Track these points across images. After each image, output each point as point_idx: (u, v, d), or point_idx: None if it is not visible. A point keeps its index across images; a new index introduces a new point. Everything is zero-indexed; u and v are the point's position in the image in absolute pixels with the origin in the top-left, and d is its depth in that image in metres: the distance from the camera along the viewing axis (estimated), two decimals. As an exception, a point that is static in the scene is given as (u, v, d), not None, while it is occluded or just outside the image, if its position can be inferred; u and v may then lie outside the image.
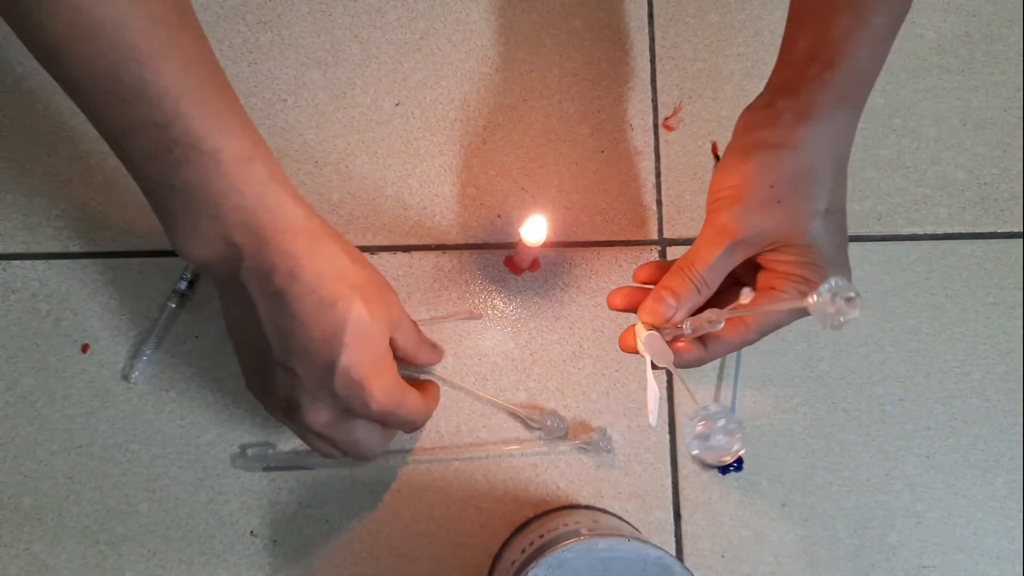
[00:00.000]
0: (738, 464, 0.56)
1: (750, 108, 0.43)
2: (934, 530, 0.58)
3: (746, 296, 0.39)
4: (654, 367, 0.42)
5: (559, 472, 0.56)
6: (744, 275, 0.45)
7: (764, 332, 0.43)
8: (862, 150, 0.61)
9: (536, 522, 0.54)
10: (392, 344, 0.44)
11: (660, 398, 0.56)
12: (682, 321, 0.42)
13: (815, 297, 0.32)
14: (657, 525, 0.56)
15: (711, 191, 0.43)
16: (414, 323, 0.47)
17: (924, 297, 0.60)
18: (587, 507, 0.56)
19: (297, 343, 0.40)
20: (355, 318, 0.40)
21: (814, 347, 0.59)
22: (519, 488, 0.56)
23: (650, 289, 0.44)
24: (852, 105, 0.41)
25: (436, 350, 0.52)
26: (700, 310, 0.43)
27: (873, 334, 0.60)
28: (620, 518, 0.55)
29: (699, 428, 0.34)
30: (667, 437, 0.57)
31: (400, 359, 0.46)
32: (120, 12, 0.33)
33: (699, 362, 0.44)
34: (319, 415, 0.42)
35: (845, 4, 0.39)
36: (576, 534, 0.46)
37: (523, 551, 0.49)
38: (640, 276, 0.47)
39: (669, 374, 0.58)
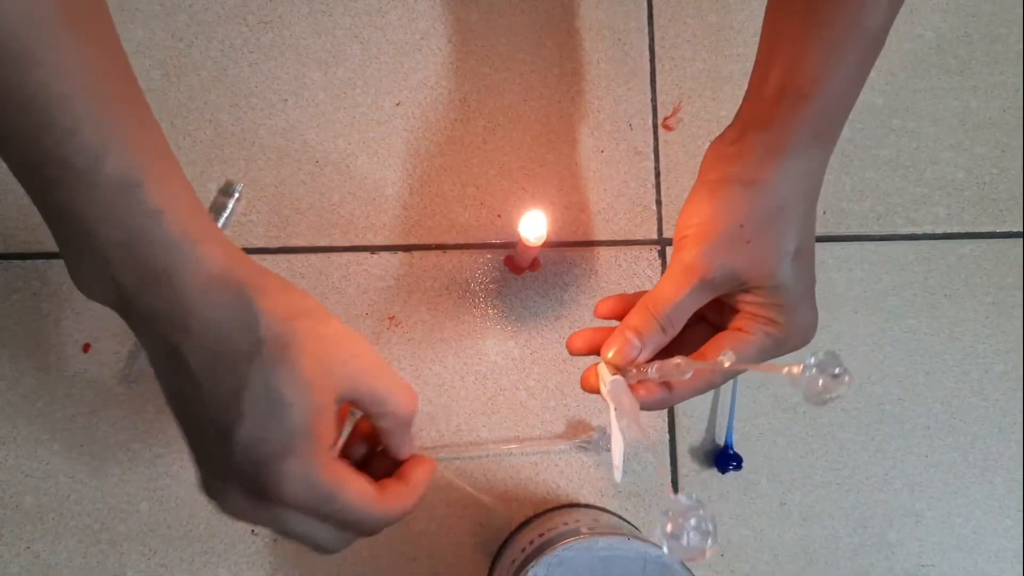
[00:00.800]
0: (737, 463, 0.57)
1: (719, 140, 0.42)
2: (933, 529, 0.58)
3: (728, 359, 0.36)
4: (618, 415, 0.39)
5: (559, 471, 0.56)
6: (710, 312, 0.43)
7: (730, 377, 0.41)
8: (862, 150, 0.62)
9: (536, 521, 0.54)
10: (367, 414, 0.36)
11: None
12: (647, 362, 0.39)
13: (801, 371, 0.31)
14: (657, 524, 0.56)
15: (678, 226, 0.41)
16: (403, 389, 0.36)
17: (923, 297, 0.60)
18: (587, 506, 0.56)
19: (193, 411, 0.33)
20: (257, 380, 0.32)
21: (813, 346, 0.59)
22: (519, 487, 0.56)
23: (611, 329, 0.41)
24: (824, 141, 0.39)
25: (404, 395, 0.37)
26: (666, 350, 0.41)
27: (872, 334, 0.60)
28: (620, 517, 0.55)
29: (669, 527, 0.32)
30: (667, 437, 0.57)
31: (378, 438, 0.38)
32: None
33: (662, 405, 0.41)
34: (228, 500, 0.33)
35: (819, 38, 0.38)
36: (576, 533, 0.46)
37: (523, 550, 0.49)
38: (602, 311, 0.44)
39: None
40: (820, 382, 0.31)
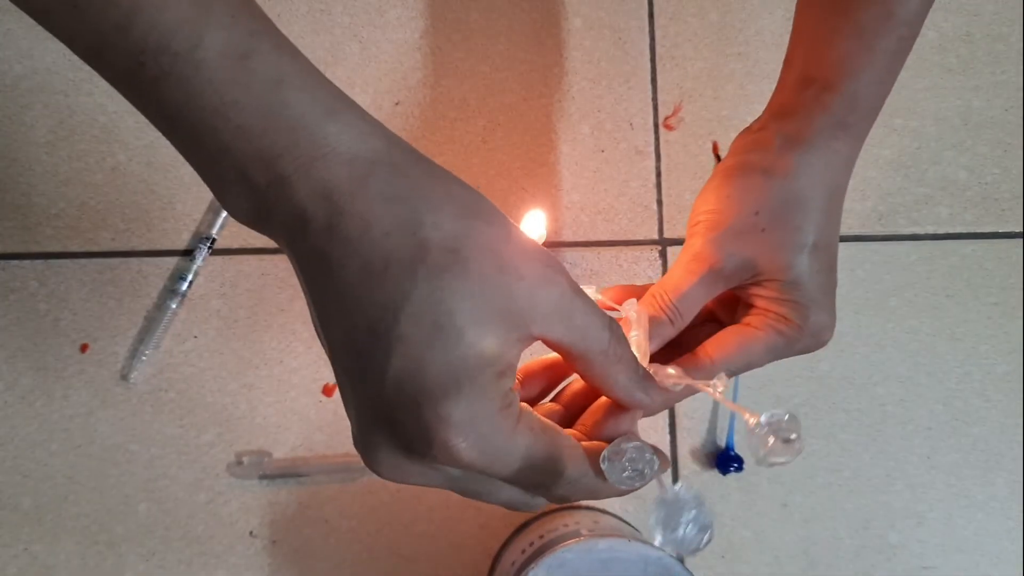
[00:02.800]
0: (739, 465, 0.56)
1: (745, 131, 0.40)
2: (935, 530, 0.58)
3: (721, 381, 0.33)
4: None
5: (559, 472, 0.56)
6: (722, 311, 0.41)
7: (732, 374, 0.38)
8: (863, 149, 0.61)
9: (536, 523, 0.54)
10: (560, 352, 0.28)
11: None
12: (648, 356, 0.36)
13: (755, 421, 0.28)
14: (657, 525, 0.56)
15: (692, 213, 0.39)
16: (604, 315, 0.28)
17: (925, 297, 0.60)
18: (587, 507, 0.55)
19: (344, 336, 0.26)
20: (420, 294, 0.24)
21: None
22: (519, 488, 0.56)
23: (638, 288, 0.39)
24: (852, 135, 0.37)
25: (650, 381, 0.31)
26: (674, 344, 0.38)
27: (874, 334, 0.59)
28: (620, 519, 0.55)
29: (663, 516, 0.29)
30: (667, 437, 0.57)
31: (590, 381, 0.30)
32: None
33: (655, 409, 0.34)
34: (378, 457, 0.26)
35: (849, 25, 0.37)
36: (576, 535, 0.46)
37: (523, 551, 0.48)
38: (604, 300, 0.40)
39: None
40: (770, 442, 0.28)
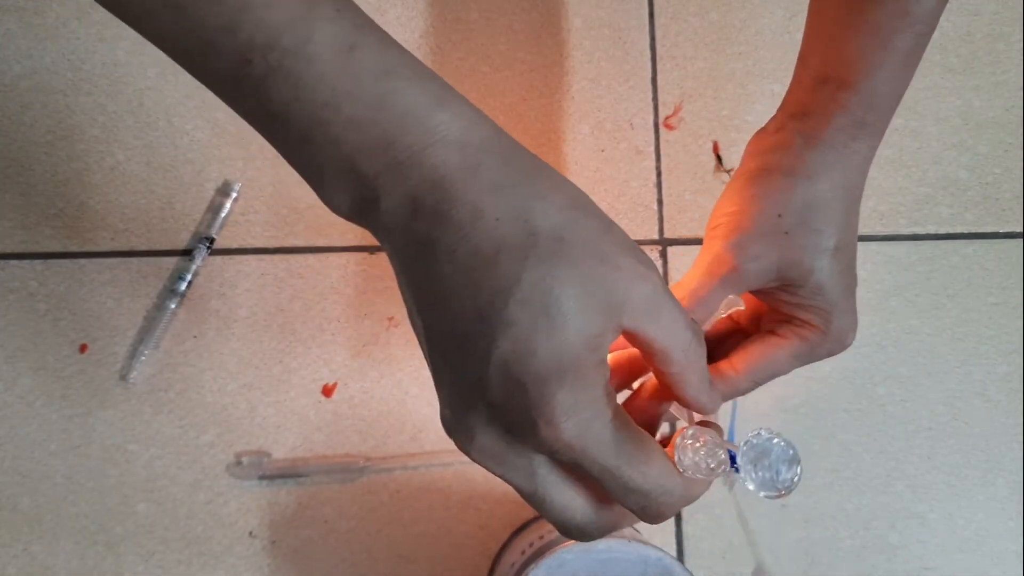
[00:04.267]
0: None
1: (760, 132, 0.40)
2: (935, 531, 0.58)
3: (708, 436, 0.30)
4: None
5: (559, 473, 0.56)
6: (746, 320, 0.40)
7: (759, 383, 0.37)
8: (863, 149, 0.61)
9: (536, 523, 0.53)
10: (639, 346, 0.28)
11: None
12: None
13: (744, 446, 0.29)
14: (657, 527, 0.56)
15: (711, 217, 0.38)
16: (687, 316, 0.29)
17: (926, 297, 0.60)
18: (587, 508, 0.55)
19: (446, 321, 0.26)
20: (529, 280, 0.25)
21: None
22: (519, 489, 0.55)
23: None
24: (869, 133, 0.37)
25: (718, 387, 0.34)
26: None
27: (875, 334, 0.59)
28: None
29: (753, 456, 0.28)
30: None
31: (664, 383, 0.30)
32: None
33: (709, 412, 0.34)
34: (474, 436, 0.27)
35: (864, 23, 0.36)
36: (576, 535, 0.46)
37: (523, 552, 0.48)
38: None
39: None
40: (702, 466, 0.28)
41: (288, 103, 0.25)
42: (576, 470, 0.27)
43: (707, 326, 0.38)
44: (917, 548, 0.58)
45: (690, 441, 0.28)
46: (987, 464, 0.59)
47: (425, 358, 0.28)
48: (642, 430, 0.28)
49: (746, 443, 0.29)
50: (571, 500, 0.28)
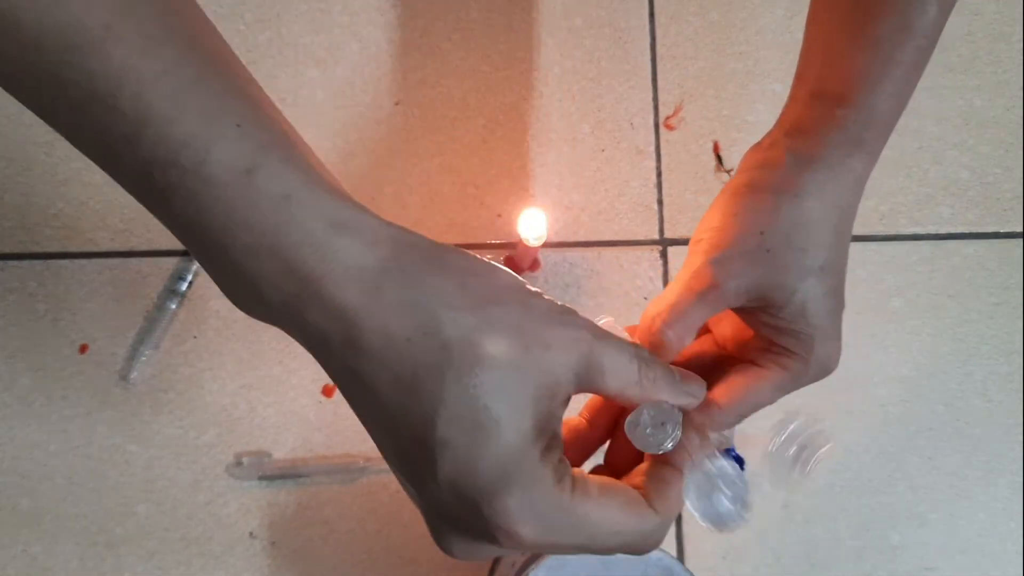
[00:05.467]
0: (739, 465, 0.56)
1: (754, 147, 0.38)
2: (937, 532, 0.58)
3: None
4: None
5: (559, 473, 0.56)
6: (733, 343, 0.38)
7: (744, 417, 0.36)
8: (864, 149, 0.61)
9: (536, 524, 0.53)
10: (605, 399, 0.30)
11: None
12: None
13: (774, 442, 0.28)
14: (658, 526, 0.56)
15: (696, 231, 0.37)
16: (627, 347, 0.29)
17: (926, 297, 0.60)
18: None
19: (389, 444, 0.27)
20: (453, 396, 0.25)
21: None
22: (519, 489, 0.55)
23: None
24: (866, 151, 0.36)
25: (691, 381, 0.33)
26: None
27: (875, 335, 0.59)
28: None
29: (698, 482, 0.28)
30: (668, 438, 0.57)
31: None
32: None
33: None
34: (453, 545, 0.28)
35: (864, 38, 0.35)
36: (577, 536, 0.45)
37: (523, 552, 0.48)
38: None
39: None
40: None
41: (190, 221, 0.25)
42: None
43: (688, 343, 0.36)
44: (918, 548, 0.57)
45: (640, 427, 0.28)
46: (988, 465, 0.59)
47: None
48: (602, 481, 0.28)
49: (688, 466, 0.29)
50: (575, 551, 0.28)
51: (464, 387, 0.25)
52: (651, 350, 0.33)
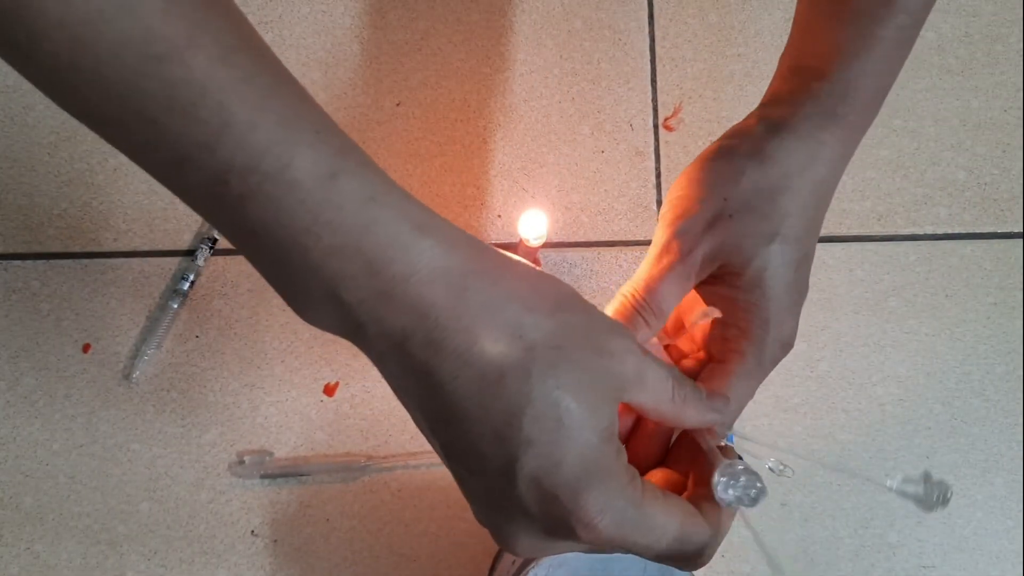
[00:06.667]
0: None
1: (734, 126, 0.37)
2: (934, 530, 0.58)
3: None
4: None
5: (559, 472, 0.56)
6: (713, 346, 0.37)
7: (734, 416, 0.34)
8: (862, 150, 0.61)
9: (536, 522, 0.54)
10: (636, 410, 0.30)
11: None
12: None
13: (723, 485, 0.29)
14: (657, 525, 0.56)
15: (665, 199, 0.36)
16: (664, 366, 0.30)
17: (924, 297, 0.60)
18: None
19: (463, 442, 0.27)
20: (539, 395, 0.26)
21: (814, 347, 0.59)
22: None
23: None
24: (843, 128, 0.34)
25: (716, 399, 0.32)
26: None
27: (873, 334, 0.60)
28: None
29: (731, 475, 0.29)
30: (667, 437, 0.57)
31: (653, 428, 0.32)
32: None
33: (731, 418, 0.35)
34: (522, 542, 0.28)
35: (845, 12, 0.34)
36: (576, 534, 0.46)
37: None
38: None
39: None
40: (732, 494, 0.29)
41: (267, 225, 0.25)
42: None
43: (665, 320, 0.35)
44: (915, 547, 0.58)
45: (725, 479, 0.29)
46: (985, 463, 0.59)
47: (454, 477, 0.29)
48: (665, 493, 0.29)
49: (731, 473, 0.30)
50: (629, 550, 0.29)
51: (549, 387, 0.26)
52: (632, 328, 0.33)
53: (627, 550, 0.28)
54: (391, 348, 0.27)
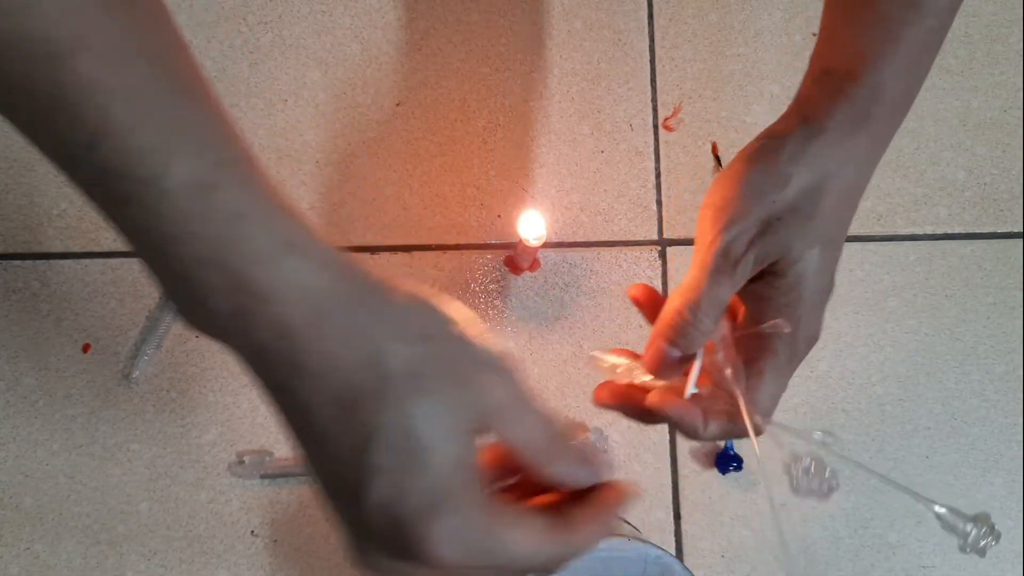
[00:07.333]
0: (738, 464, 0.56)
1: (768, 128, 0.38)
2: (934, 530, 0.58)
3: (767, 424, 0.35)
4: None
5: (559, 472, 0.56)
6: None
7: (770, 411, 0.37)
8: (862, 150, 0.62)
9: (536, 522, 0.54)
10: (502, 444, 0.30)
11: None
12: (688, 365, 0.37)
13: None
14: (657, 525, 0.56)
15: (706, 201, 0.37)
16: (541, 413, 0.30)
17: (924, 297, 0.60)
18: (587, 507, 0.56)
19: (320, 463, 0.28)
20: (390, 424, 0.26)
21: (814, 347, 0.59)
22: (519, 488, 0.56)
23: (635, 388, 0.38)
24: (875, 130, 0.36)
25: (587, 459, 0.32)
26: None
27: (873, 334, 0.60)
28: (620, 518, 0.55)
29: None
30: (667, 437, 0.57)
31: (519, 467, 0.31)
32: None
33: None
34: (373, 564, 0.29)
35: (873, 15, 0.35)
36: (576, 534, 0.46)
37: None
38: (635, 292, 0.40)
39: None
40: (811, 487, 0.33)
41: (141, 230, 0.25)
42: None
43: (718, 321, 0.36)
44: (915, 547, 0.58)
45: (804, 471, 0.32)
46: (985, 463, 0.59)
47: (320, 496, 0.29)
48: (524, 513, 0.29)
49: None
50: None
51: (401, 416, 0.26)
52: (678, 338, 0.35)
53: (484, 573, 0.28)
54: (255, 363, 0.27)
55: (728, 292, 0.35)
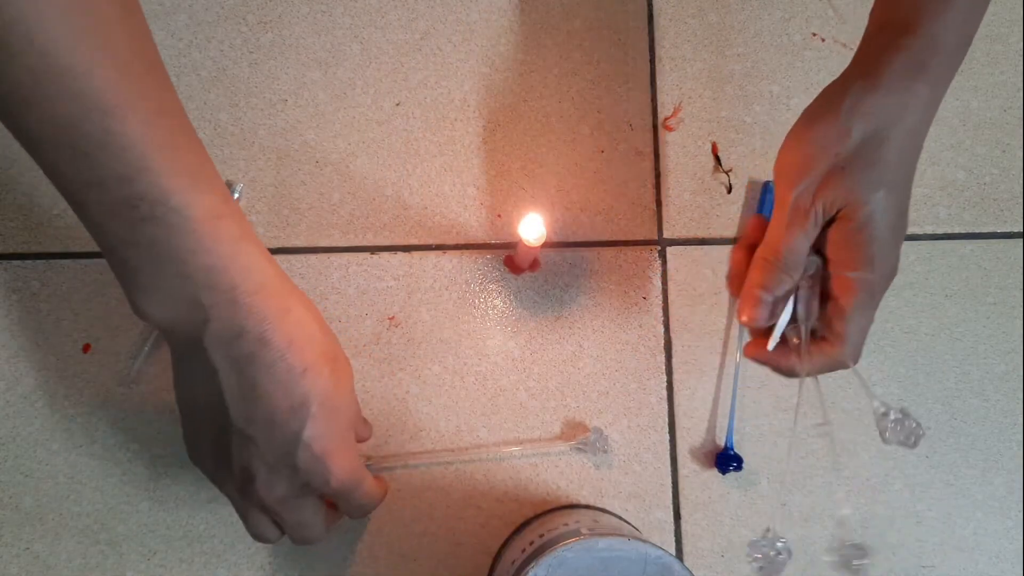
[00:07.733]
0: (738, 464, 0.56)
1: (828, 86, 0.41)
2: (933, 530, 0.58)
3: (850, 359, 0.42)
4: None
5: (559, 472, 0.56)
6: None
7: (858, 346, 0.43)
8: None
9: (536, 522, 0.54)
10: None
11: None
12: (779, 310, 0.43)
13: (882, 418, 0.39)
14: (657, 524, 0.56)
15: (777, 162, 0.41)
16: (356, 465, 0.45)
17: (923, 297, 0.60)
18: (587, 507, 0.56)
19: (261, 411, 0.39)
20: (323, 388, 0.40)
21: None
22: (519, 488, 0.56)
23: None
24: (933, 76, 0.38)
25: (367, 425, 0.53)
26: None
27: (872, 334, 0.59)
28: (620, 518, 0.55)
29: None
30: (667, 437, 0.57)
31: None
32: (88, 59, 0.32)
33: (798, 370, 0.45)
34: (275, 489, 0.41)
35: None
36: (576, 534, 0.46)
37: (523, 551, 0.49)
38: (736, 256, 0.46)
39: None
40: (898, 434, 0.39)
41: (158, 239, 0.35)
42: (330, 497, 0.44)
43: (801, 266, 0.42)
44: (915, 547, 0.58)
45: (893, 422, 0.40)
46: (985, 463, 0.59)
47: (212, 441, 0.41)
48: (363, 465, 0.46)
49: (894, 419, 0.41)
50: (317, 517, 0.45)
51: (331, 383, 0.41)
52: (775, 287, 0.41)
53: (347, 493, 0.43)
54: (225, 339, 0.38)
55: (804, 242, 0.40)
